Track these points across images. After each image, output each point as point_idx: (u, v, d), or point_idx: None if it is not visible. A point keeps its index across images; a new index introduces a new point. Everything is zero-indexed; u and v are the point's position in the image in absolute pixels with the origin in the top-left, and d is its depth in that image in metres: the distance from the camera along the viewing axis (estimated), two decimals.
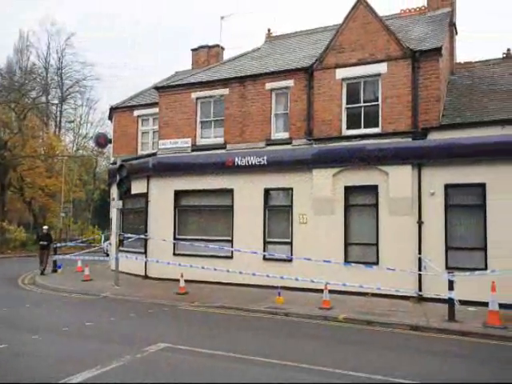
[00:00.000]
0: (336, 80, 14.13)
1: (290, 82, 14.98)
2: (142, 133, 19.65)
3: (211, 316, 10.93)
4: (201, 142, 16.49)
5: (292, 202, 14.81)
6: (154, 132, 19.03)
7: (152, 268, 16.58)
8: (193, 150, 16.43)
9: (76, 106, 45.98)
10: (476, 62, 15.42)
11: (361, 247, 13.89)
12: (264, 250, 14.87)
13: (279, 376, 6.47)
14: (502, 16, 72.76)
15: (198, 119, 16.58)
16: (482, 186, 12.37)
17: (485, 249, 12.22)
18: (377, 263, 13.21)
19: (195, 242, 15.29)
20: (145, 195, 17.28)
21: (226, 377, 6.42)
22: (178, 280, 13.86)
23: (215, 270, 13.54)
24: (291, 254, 14.39)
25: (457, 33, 16.70)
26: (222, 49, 22.43)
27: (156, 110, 17.81)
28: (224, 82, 16.12)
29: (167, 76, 22.54)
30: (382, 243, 13.43)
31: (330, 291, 11.74)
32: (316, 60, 14.51)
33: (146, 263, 16.70)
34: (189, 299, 12.72)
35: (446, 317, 10.22)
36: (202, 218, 16.46)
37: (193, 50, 22.48)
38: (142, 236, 16.49)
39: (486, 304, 9.97)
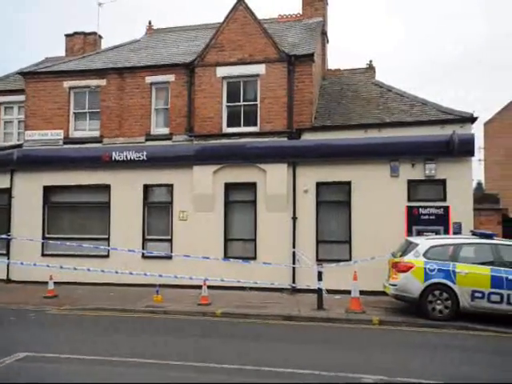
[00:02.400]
0: (217, 78, 14.28)
1: (170, 77, 14.76)
2: (5, 122, 17.70)
3: (83, 319, 10.33)
4: (74, 134, 15.47)
5: (172, 199, 14.64)
6: (19, 122, 17.26)
7: (16, 271, 15.09)
8: (65, 143, 15.34)
9: None
10: (344, 70, 16.78)
11: (240, 243, 14.27)
12: (143, 248, 14.49)
13: (159, 375, 6.36)
14: (366, 29, 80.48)
15: (72, 110, 15.54)
16: (348, 183, 13.52)
17: (350, 241, 13.39)
18: (255, 258, 13.68)
19: (67, 242, 14.28)
20: (8, 191, 15.64)
21: (94, 381, 6.13)
22: (46, 282, 12.85)
23: (89, 270, 12.78)
24: (171, 252, 14.22)
25: (328, 41, 17.98)
26: (100, 37, 21.15)
27: (22, 97, 16.20)
28: (101, 73, 15.31)
29: (36, 61, 20.63)
30: (259, 239, 13.93)
31: (210, 287, 11.87)
32: (197, 56, 14.50)
33: (8, 265, 15.15)
34: (59, 303, 11.85)
35: (315, 306, 10.97)
36: (76, 215, 15.46)
37: (67, 35, 20.76)
38: (4, 236, 14.91)
39: (349, 292, 10.91)
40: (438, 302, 9.93)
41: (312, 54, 13.88)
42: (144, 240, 14.71)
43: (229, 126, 14.33)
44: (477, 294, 9.73)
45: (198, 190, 14.25)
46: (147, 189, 14.91)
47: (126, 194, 14.81)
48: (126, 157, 14.62)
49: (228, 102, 14.35)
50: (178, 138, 14.62)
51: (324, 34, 16.93)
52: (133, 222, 14.69)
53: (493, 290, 9.65)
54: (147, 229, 14.81)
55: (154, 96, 15.05)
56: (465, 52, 79.87)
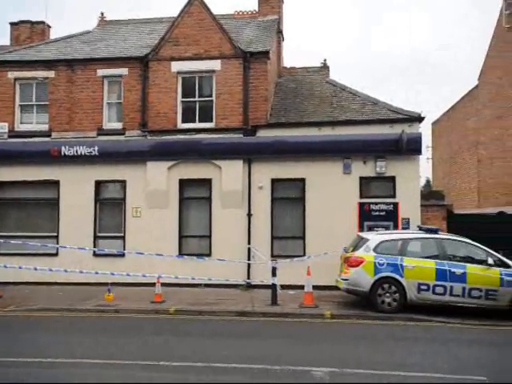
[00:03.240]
0: (171, 73, 14.08)
1: (123, 71, 14.41)
2: None
3: (29, 320, 9.93)
4: (20, 127, 14.84)
5: (125, 195, 14.33)
6: None
7: None
8: (10, 137, 14.65)
9: None
10: (299, 68, 16.97)
11: (195, 240, 14.18)
12: (95, 246, 14.09)
13: (105, 375, 6.21)
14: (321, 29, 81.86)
15: (17, 102, 14.88)
16: (303, 180, 13.72)
17: (304, 237, 13.59)
18: (210, 255, 13.61)
19: (12, 240, 13.63)
20: None
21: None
22: None
23: (36, 269, 12.27)
24: (124, 249, 13.91)
25: (283, 39, 18.12)
26: (49, 27, 20.26)
27: None
28: (49, 64, 14.74)
29: None
30: (214, 235, 13.89)
31: (164, 284, 11.71)
32: (151, 50, 14.23)
33: None
34: (3, 303, 11.29)
35: (269, 301, 11.06)
36: (23, 212, 14.82)
37: (12, 23, 19.77)
38: None
39: (303, 287, 11.06)
40: (387, 294, 10.28)
41: (267, 52, 13.96)
42: (95, 237, 14.32)
43: (184, 121, 14.17)
44: (423, 287, 10.15)
45: (152, 187, 14.01)
46: (99, 185, 14.50)
47: (76, 190, 14.33)
48: (77, 152, 14.15)
49: (183, 97, 14.19)
50: (131, 133, 14.31)
51: (279, 31, 17.04)
52: (83, 219, 14.25)
53: (437, 283, 10.10)
54: (99, 226, 14.42)
55: (107, 90, 14.65)
56: (413, 53, 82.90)
